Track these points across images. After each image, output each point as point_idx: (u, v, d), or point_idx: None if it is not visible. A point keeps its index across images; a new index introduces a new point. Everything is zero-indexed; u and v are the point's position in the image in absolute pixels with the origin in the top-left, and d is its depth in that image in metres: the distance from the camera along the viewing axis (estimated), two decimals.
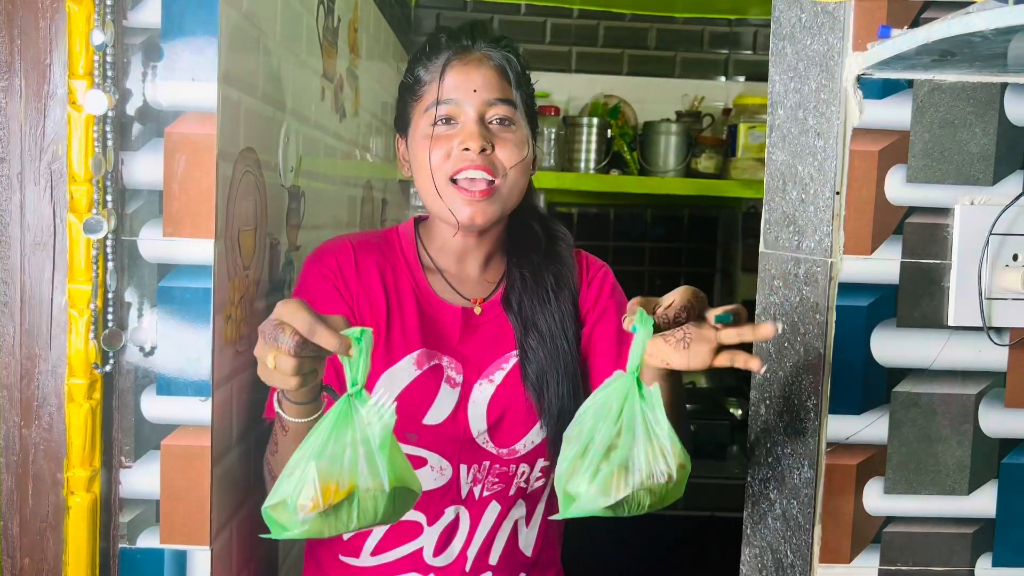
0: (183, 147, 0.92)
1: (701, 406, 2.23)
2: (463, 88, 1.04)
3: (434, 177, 1.04)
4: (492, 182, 1.04)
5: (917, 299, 0.92)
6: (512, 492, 1.09)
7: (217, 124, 0.92)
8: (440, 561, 1.07)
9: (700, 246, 2.85)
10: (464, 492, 1.07)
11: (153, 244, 0.92)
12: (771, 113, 1.09)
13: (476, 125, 1.03)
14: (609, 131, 2.54)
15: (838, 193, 0.90)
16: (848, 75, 0.89)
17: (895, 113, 0.90)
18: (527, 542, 1.12)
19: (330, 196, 1.58)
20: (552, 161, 2.53)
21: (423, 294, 1.09)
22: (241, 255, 1.04)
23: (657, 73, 2.78)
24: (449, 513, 1.07)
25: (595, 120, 2.51)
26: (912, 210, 0.91)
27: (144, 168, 0.92)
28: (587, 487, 0.80)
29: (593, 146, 2.51)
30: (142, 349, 0.93)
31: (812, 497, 0.93)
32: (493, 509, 1.09)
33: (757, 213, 2.82)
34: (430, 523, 1.07)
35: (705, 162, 2.52)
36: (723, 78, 2.80)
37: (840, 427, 0.92)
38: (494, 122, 1.05)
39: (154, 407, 0.93)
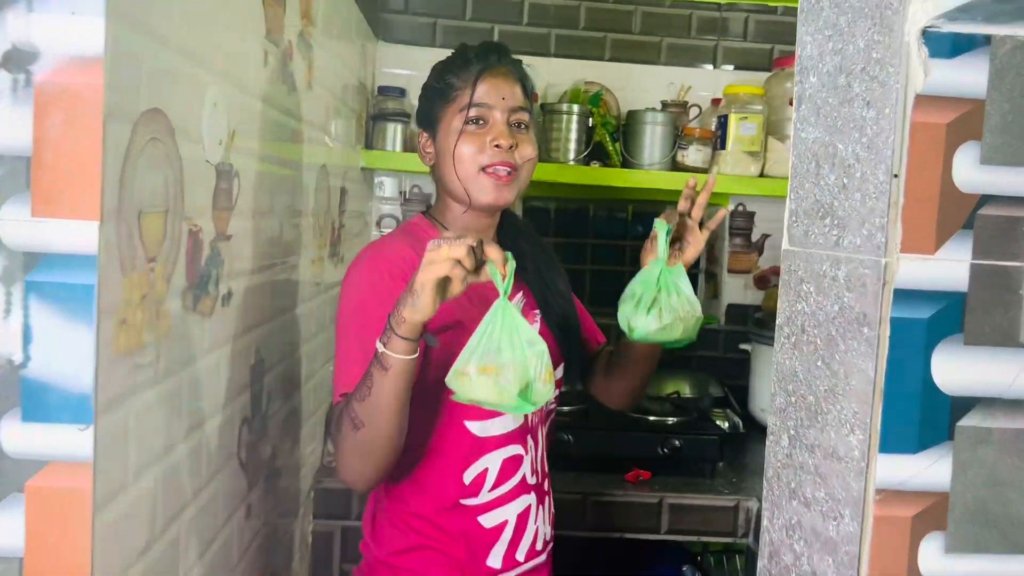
0: (59, 101, 0.71)
1: (686, 419, 2.04)
2: (494, 95, 1.28)
3: (467, 166, 1.26)
4: (512, 172, 1.28)
5: (990, 310, 0.73)
6: (543, 416, 1.38)
7: (105, 73, 0.71)
8: (533, 480, 1.33)
9: None
10: (531, 421, 1.34)
11: (18, 226, 0.71)
12: (800, 82, 0.90)
13: (504, 126, 1.28)
14: (590, 120, 2.35)
15: (896, 176, 0.72)
16: (912, 27, 0.71)
17: (968, 77, 0.72)
18: (544, 455, 1.40)
19: (274, 179, 1.37)
20: None
21: None
22: (144, 244, 0.83)
23: (641, 59, 2.60)
24: (530, 441, 1.33)
25: (575, 108, 2.32)
26: (986, 199, 0.73)
27: (6, 127, 0.70)
28: (644, 320, 1.29)
29: (573, 136, 2.32)
30: (2, 362, 0.71)
31: (855, 556, 0.74)
32: (539, 432, 1.37)
33: (745, 211, 2.64)
34: (526, 452, 1.32)
35: (692, 155, 2.34)
36: (711, 66, 2.62)
37: (892, 469, 0.74)
38: (515, 125, 1.29)
39: (18, 438, 0.72)
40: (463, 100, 1.27)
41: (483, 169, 1.26)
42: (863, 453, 0.74)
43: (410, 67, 2.53)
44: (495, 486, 1.29)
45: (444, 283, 0.99)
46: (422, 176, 2.56)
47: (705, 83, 2.55)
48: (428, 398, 1.21)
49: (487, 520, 1.29)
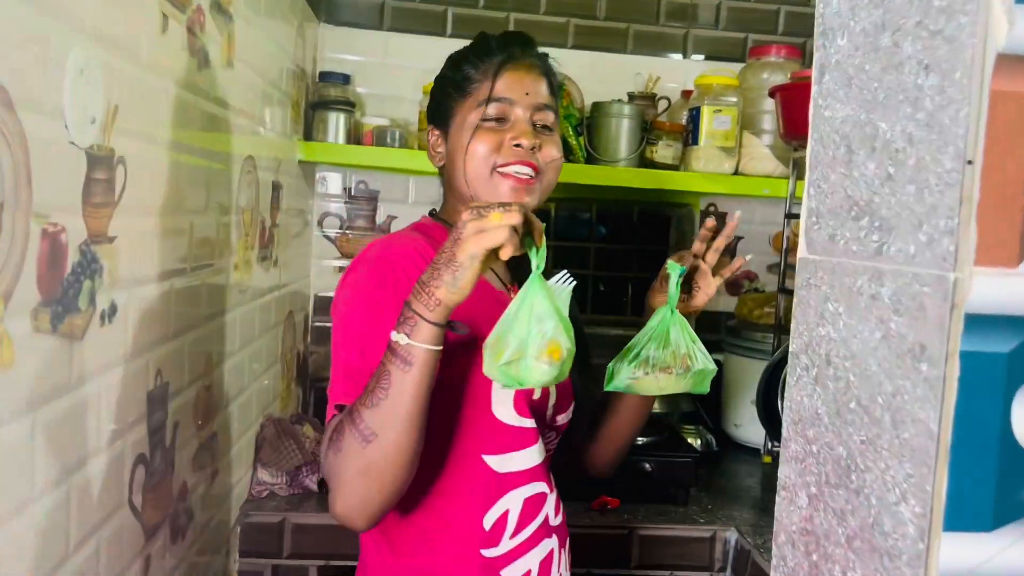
0: None
1: (658, 438, 1.86)
2: (516, 90, 1.13)
3: (479, 165, 1.11)
4: (533, 176, 1.12)
5: None
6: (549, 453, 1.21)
7: None
8: (557, 520, 1.17)
9: (651, 248, 2.49)
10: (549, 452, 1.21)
11: None
12: (822, 47, 0.71)
13: (528, 124, 1.13)
14: None
15: (970, 163, 0.54)
16: None
17: None
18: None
19: (182, 170, 1.16)
20: None
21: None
22: None
23: (607, 47, 2.41)
24: (551, 475, 1.19)
25: None
26: None
27: None
28: (624, 369, 1.16)
29: None
30: None
31: None
32: (548, 468, 1.19)
33: (717, 212, 2.48)
34: (550, 489, 1.17)
35: (662, 151, 2.16)
36: (680, 56, 2.44)
37: (960, 552, 0.55)
38: (538, 124, 1.15)
39: None
40: (481, 94, 1.13)
41: (497, 169, 1.11)
42: (921, 530, 0.56)
43: (355, 52, 2.32)
44: (516, 531, 1.11)
45: (489, 255, 0.88)
46: (369, 171, 2.35)
47: (675, 74, 2.38)
48: (437, 429, 1.02)
49: (510, 574, 1.10)
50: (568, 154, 2.18)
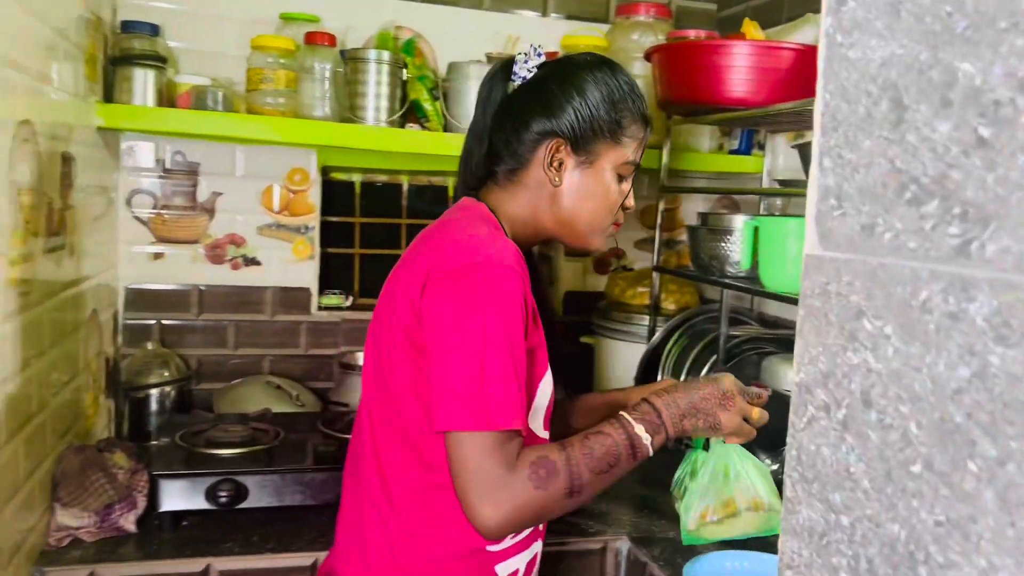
0: None
1: None
2: (641, 161, 1.23)
3: (605, 220, 1.20)
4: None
5: None
6: None
7: None
8: (542, 526, 1.21)
9: None
10: None
11: None
12: None
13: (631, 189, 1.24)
14: (404, 72, 1.90)
15: None
16: None
17: None
18: None
19: None
20: (327, 109, 1.85)
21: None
22: None
23: (461, 3, 2.17)
24: None
25: (385, 56, 1.86)
26: None
27: None
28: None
29: (384, 91, 1.86)
30: None
31: None
32: None
33: None
34: None
35: None
36: (538, 14, 2.24)
37: None
38: None
39: None
40: (628, 153, 1.19)
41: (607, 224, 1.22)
42: None
43: None
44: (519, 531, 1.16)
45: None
46: (187, 140, 2.00)
47: (536, 33, 2.17)
48: None
49: (503, 569, 1.14)
50: (424, 121, 1.93)
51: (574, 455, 1.01)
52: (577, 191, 1.16)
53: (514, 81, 1.21)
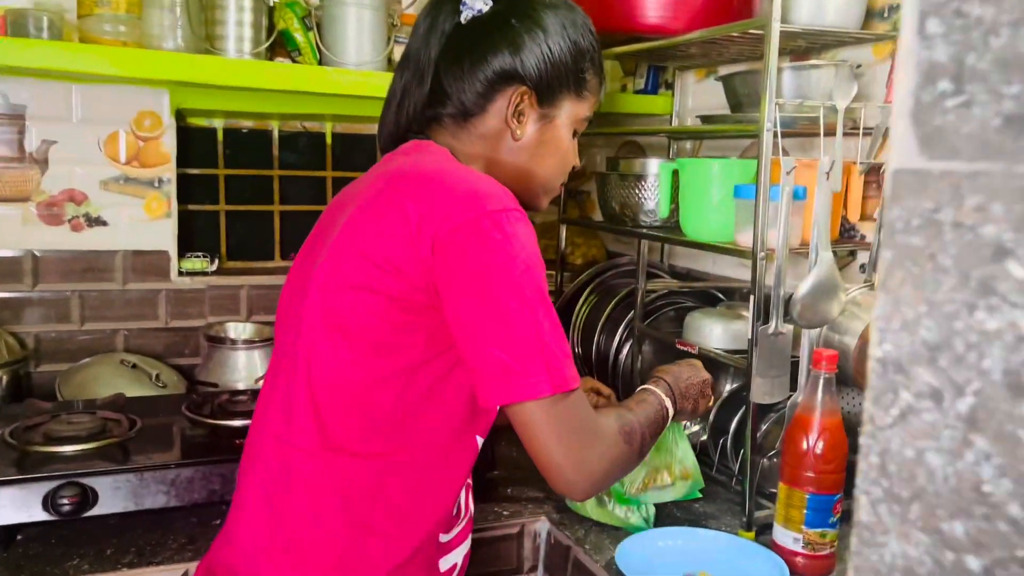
0: None
1: None
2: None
3: (559, 177, 1.12)
4: None
5: None
6: None
7: None
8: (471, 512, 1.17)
9: None
10: None
11: None
12: None
13: None
14: None
15: None
16: None
17: None
18: None
19: None
20: (179, 40, 1.58)
21: None
22: None
23: None
24: None
25: None
26: None
27: None
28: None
29: (247, 18, 1.60)
30: None
31: None
32: None
33: None
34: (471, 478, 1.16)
35: None
36: None
37: None
38: None
39: None
40: (586, 108, 1.11)
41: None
42: None
43: None
44: (463, 514, 1.10)
45: None
46: (9, 78, 1.68)
47: None
48: (455, 407, 0.99)
49: (444, 564, 1.07)
50: (296, 54, 1.68)
51: (640, 417, 1.04)
52: (537, 146, 1.07)
53: (463, 12, 1.02)
